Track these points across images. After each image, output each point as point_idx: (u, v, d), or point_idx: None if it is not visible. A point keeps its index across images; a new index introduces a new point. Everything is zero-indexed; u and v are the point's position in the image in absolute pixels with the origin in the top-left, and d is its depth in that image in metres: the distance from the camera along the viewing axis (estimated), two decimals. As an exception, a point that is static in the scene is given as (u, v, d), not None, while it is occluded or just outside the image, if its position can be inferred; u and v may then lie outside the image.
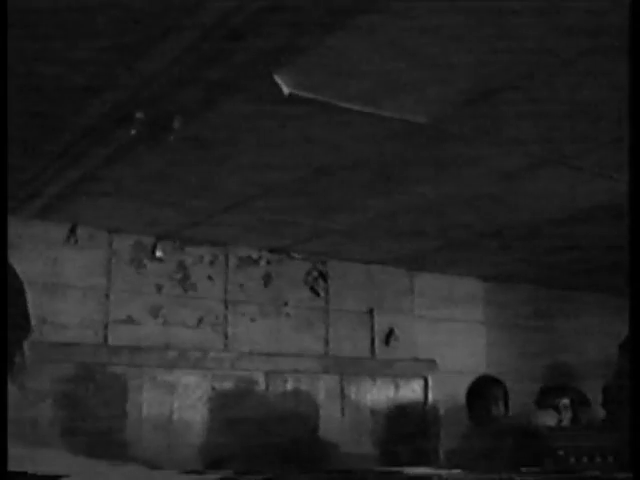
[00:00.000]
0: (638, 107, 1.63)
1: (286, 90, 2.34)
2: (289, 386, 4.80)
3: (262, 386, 4.71)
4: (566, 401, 4.75)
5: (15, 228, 4.10)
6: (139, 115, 2.53)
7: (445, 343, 5.47)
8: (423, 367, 5.34)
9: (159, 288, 4.51)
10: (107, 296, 4.37)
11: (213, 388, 4.53)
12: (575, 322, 6.12)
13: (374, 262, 5.22)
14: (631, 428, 1.60)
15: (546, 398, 4.81)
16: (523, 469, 3.20)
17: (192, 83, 2.38)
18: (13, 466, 1.10)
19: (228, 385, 4.60)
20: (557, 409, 4.55)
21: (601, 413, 5.07)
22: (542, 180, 3.60)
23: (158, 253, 4.53)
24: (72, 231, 4.30)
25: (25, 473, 1.02)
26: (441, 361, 5.38)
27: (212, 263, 4.70)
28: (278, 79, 2.28)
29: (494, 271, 5.62)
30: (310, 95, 2.43)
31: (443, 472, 3.98)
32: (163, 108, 2.55)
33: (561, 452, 3.89)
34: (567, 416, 4.64)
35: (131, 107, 2.55)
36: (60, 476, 1.05)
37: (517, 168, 3.40)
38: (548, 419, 4.40)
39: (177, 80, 2.37)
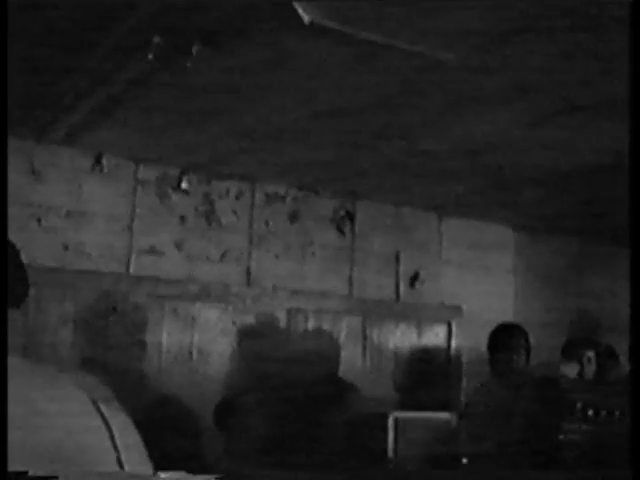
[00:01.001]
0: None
1: (307, 18, 2.26)
2: (311, 325, 4.77)
3: (283, 323, 4.69)
4: (591, 354, 4.67)
5: (40, 155, 4.08)
6: (157, 40, 2.46)
7: (472, 290, 5.41)
8: (448, 313, 5.29)
9: (183, 220, 4.49)
10: (131, 226, 4.35)
11: (234, 323, 4.52)
12: (607, 277, 6.02)
13: (403, 205, 5.15)
14: (631, 427, 1.53)
15: (570, 350, 4.73)
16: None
17: (211, 9, 2.31)
18: None
19: (249, 321, 4.58)
20: (580, 361, 4.48)
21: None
22: (577, 127, 3.50)
23: (184, 185, 4.49)
24: (98, 160, 4.28)
25: (25, 473, 0.98)
26: (467, 308, 5.32)
27: (238, 198, 4.65)
28: (298, 6, 2.20)
29: (526, 220, 5.53)
30: (332, 25, 2.35)
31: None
32: (182, 34, 2.48)
33: (580, 405, 3.85)
34: (590, 369, 4.57)
35: (149, 32, 2.49)
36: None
37: (550, 112, 3.30)
38: (570, 371, 4.33)
39: (195, 6, 2.30)
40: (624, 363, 5.04)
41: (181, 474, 1.07)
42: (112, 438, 1.10)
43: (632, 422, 1.54)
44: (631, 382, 1.60)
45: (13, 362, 1.13)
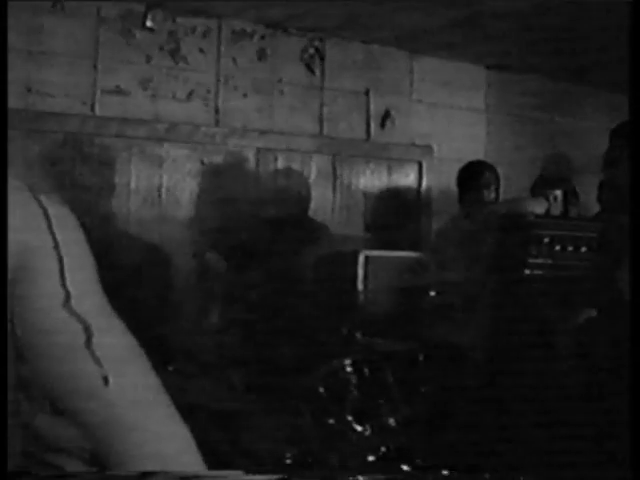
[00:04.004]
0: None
1: None
2: (280, 164, 4.75)
3: (253, 163, 4.67)
4: (558, 192, 4.70)
5: (-3, -9, 3.92)
6: None
7: (443, 130, 5.38)
8: (419, 153, 5.27)
9: (149, 59, 4.38)
10: (95, 66, 4.25)
11: (202, 163, 4.49)
12: (580, 118, 6.00)
13: (374, 42, 5.04)
14: (630, 426, 1.52)
15: (539, 187, 4.76)
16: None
17: None
18: None
19: (218, 160, 4.55)
20: (548, 199, 4.51)
21: (592, 209, 5.05)
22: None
23: (148, 22, 4.36)
24: (58, -4, 4.13)
25: (27, 473, 0.96)
26: (437, 148, 5.31)
27: (204, 35, 4.53)
28: None
29: (499, 58, 5.44)
30: None
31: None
32: None
33: (547, 240, 3.89)
34: (557, 207, 4.61)
35: None
36: (64, 476, 1.00)
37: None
38: (538, 208, 4.36)
39: None
40: (586, 204, 5.09)
41: (237, 473, 1.06)
42: (50, 227, 1.07)
43: (631, 421, 1.54)
44: (630, 380, 1.59)
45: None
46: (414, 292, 3.86)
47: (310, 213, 4.78)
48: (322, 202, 4.87)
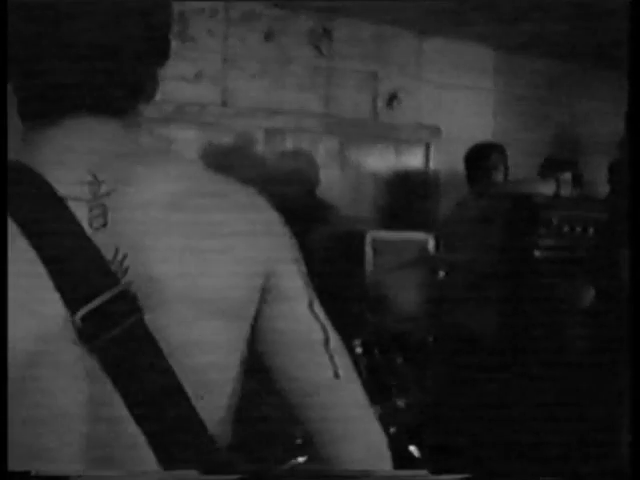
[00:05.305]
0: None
1: None
2: (288, 145, 4.75)
3: (261, 144, 4.66)
4: (568, 175, 4.70)
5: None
6: None
7: (451, 110, 5.36)
8: (426, 133, 5.26)
9: (156, 39, 4.36)
10: (103, 46, 4.23)
11: (210, 143, 4.49)
12: (588, 99, 5.97)
13: (382, 22, 5.01)
14: (631, 427, 1.51)
15: (548, 169, 4.75)
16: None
17: None
18: None
19: (226, 141, 4.55)
20: (557, 181, 4.50)
21: (598, 192, 5.04)
22: None
23: (156, 2, 4.34)
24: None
25: (28, 473, 0.97)
26: (445, 128, 5.29)
27: (212, 16, 4.52)
28: None
29: (507, 39, 5.41)
30: None
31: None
32: None
33: (555, 221, 3.89)
34: (567, 190, 4.60)
35: None
36: (67, 476, 1.00)
37: None
38: (547, 189, 4.35)
39: None
40: (592, 187, 5.08)
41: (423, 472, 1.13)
42: (289, 236, 1.18)
43: (632, 423, 1.53)
44: (631, 379, 1.58)
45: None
46: (422, 273, 3.87)
47: (318, 193, 4.78)
48: (330, 182, 4.87)
